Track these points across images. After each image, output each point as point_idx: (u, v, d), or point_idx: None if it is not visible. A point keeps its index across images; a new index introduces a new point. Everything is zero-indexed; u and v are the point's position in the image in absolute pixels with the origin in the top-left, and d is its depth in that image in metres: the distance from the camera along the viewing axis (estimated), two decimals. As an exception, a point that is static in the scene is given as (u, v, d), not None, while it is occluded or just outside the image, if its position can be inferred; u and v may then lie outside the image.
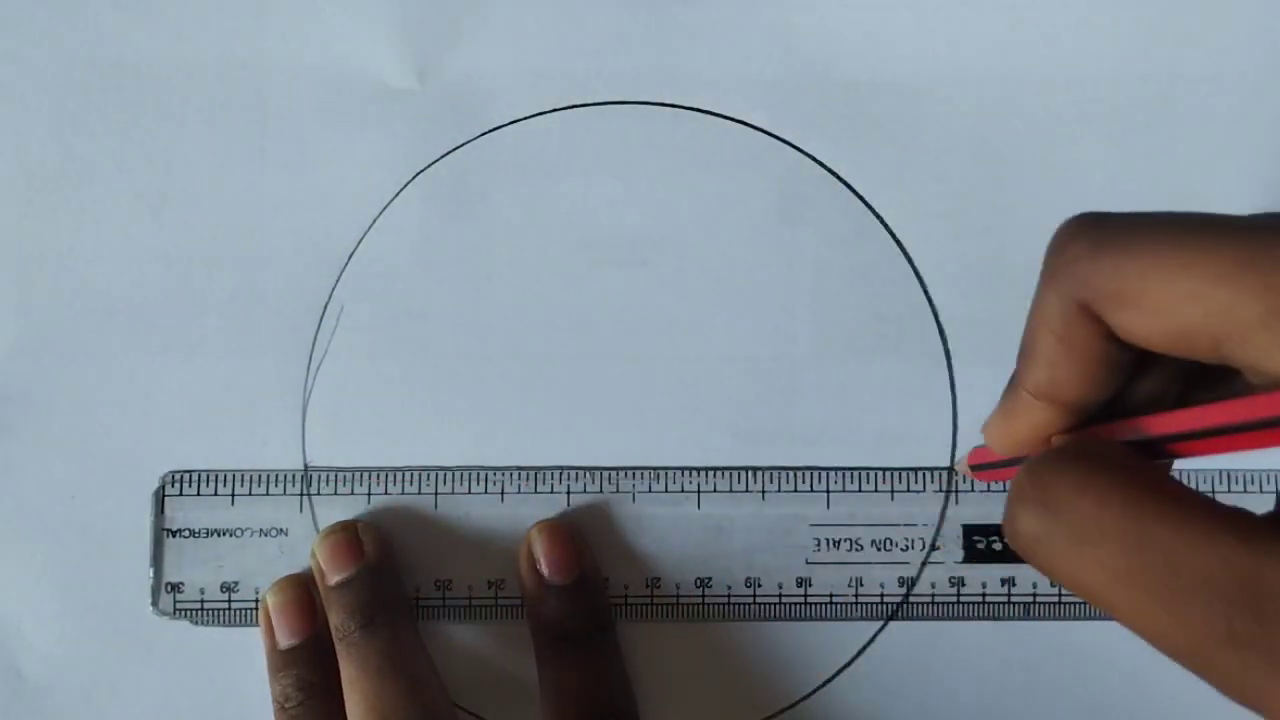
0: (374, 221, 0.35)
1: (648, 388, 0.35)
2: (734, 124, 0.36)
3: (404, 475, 0.35)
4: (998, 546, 0.35)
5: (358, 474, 0.35)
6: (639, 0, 0.36)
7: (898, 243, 0.36)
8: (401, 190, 0.35)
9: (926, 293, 0.36)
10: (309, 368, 0.35)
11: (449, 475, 0.35)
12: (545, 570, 0.33)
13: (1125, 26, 0.36)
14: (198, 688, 0.34)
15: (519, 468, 0.35)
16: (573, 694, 0.32)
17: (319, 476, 0.35)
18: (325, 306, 0.35)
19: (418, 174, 0.36)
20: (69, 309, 0.35)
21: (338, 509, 0.35)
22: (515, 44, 0.36)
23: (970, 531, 0.35)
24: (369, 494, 0.35)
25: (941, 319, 0.36)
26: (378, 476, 0.35)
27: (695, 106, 0.36)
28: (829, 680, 0.35)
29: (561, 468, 0.35)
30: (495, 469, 0.35)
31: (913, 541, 0.35)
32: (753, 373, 0.35)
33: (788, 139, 0.36)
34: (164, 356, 0.35)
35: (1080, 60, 0.36)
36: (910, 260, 0.36)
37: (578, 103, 0.36)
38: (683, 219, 0.36)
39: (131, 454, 0.35)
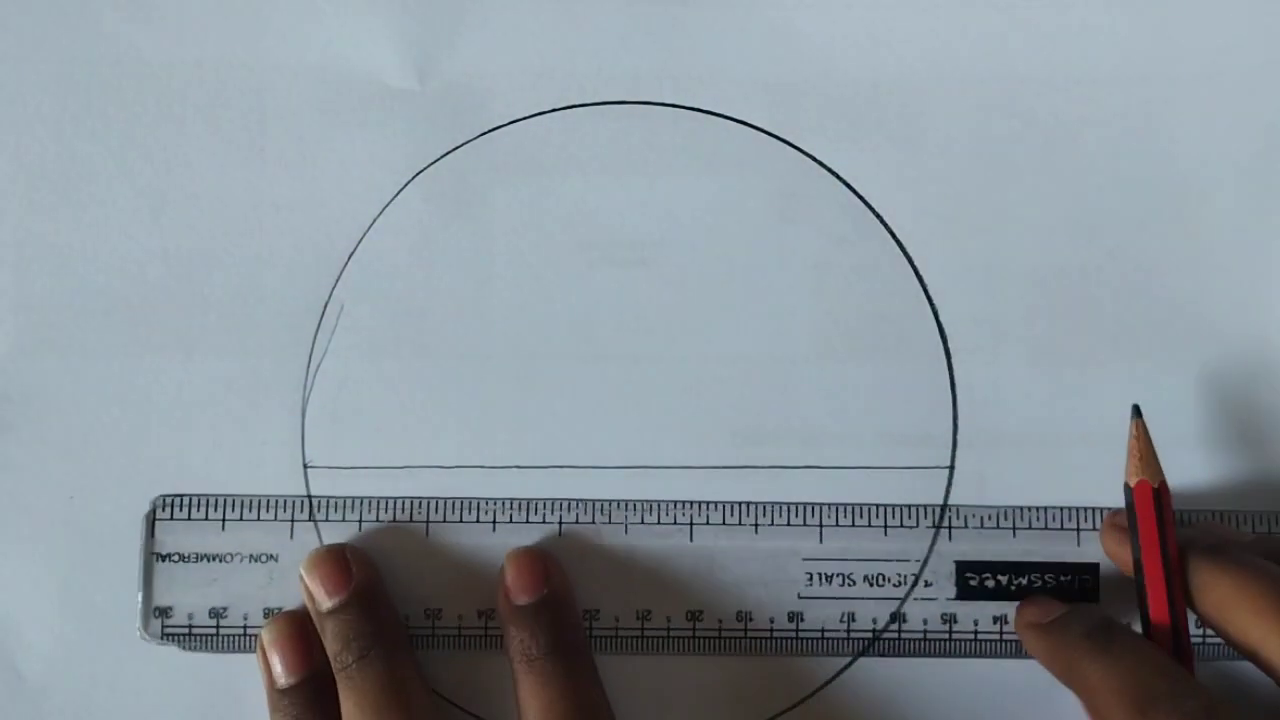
0: (374, 221, 0.35)
1: (647, 387, 0.35)
2: (734, 124, 0.36)
3: (395, 503, 0.35)
4: (990, 584, 0.35)
5: (349, 501, 0.35)
6: (639, 0, 0.36)
7: (898, 243, 0.36)
8: (401, 190, 0.36)
9: (927, 293, 0.36)
10: (309, 368, 0.35)
11: (440, 504, 0.35)
12: (510, 591, 0.33)
13: (1125, 26, 0.36)
14: (196, 687, 0.34)
15: (511, 498, 0.35)
16: (539, 714, 0.32)
17: (310, 503, 0.35)
18: (325, 306, 0.35)
19: (418, 174, 0.36)
20: (69, 309, 0.35)
21: (328, 536, 0.34)
22: (515, 44, 0.36)
23: (963, 568, 0.35)
24: (360, 521, 0.35)
25: (941, 319, 0.36)
26: (369, 504, 0.35)
27: (695, 106, 0.36)
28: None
29: (554, 498, 0.35)
30: (487, 498, 0.35)
31: (905, 577, 0.35)
32: (753, 373, 0.35)
33: (788, 139, 0.36)
34: (164, 356, 0.35)
35: (1080, 60, 0.36)
36: (910, 260, 0.36)
37: (578, 103, 0.36)
38: (683, 219, 0.36)
39: (131, 454, 0.35)
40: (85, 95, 0.35)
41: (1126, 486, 0.32)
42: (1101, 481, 0.35)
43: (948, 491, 0.35)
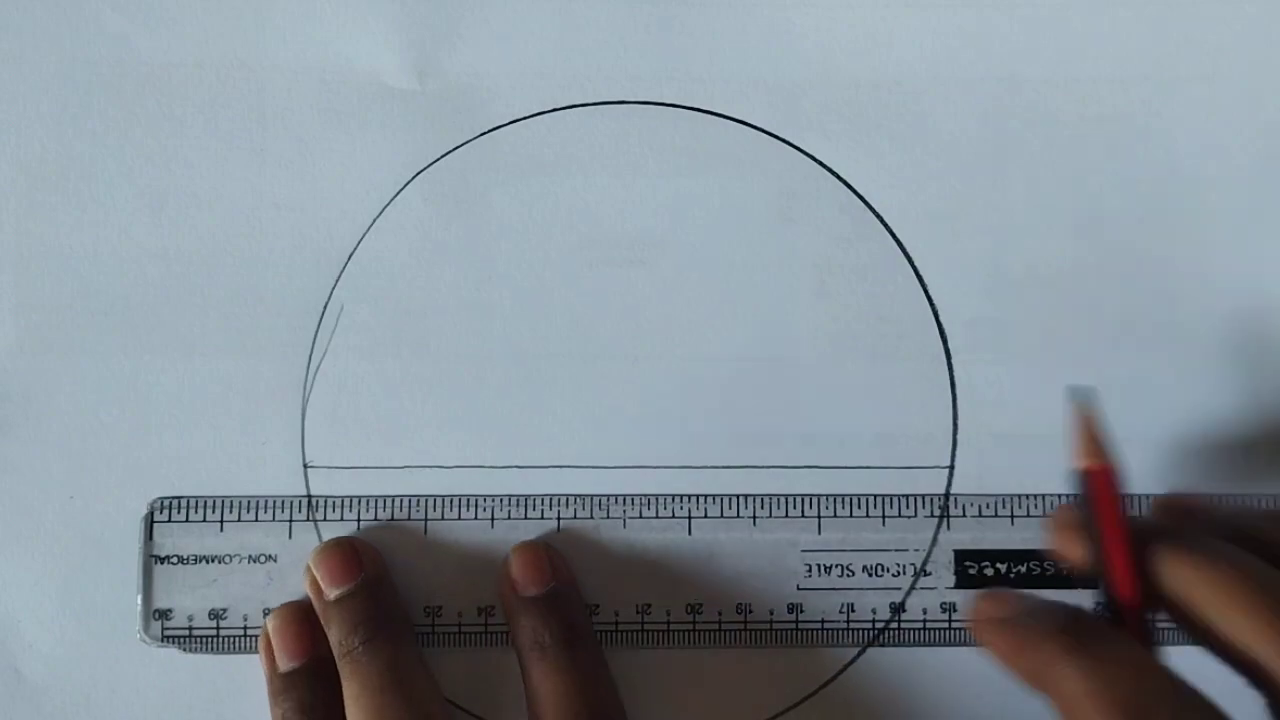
0: (374, 221, 0.35)
1: (647, 388, 0.35)
2: (734, 124, 0.36)
3: (394, 501, 0.35)
4: (989, 572, 0.35)
5: (348, 500, 0.35)
6: (639, 0, 0.36)
7: (898, 243, 0.36)
8: (401, 190, 0.36)
9: (927, 293, 0.36)
10: (309, 368, 0.35)
11: (439, 501, 0.35)
12: (518, 584, 0.33)
13: (1125, 26, 0.36)
14: (197, 687, 0.34)
15: (510, 494, 0.35)
16: (554, 702, 0.32)
17: (308, 503, 0.35)
18: (325, 306, 0.35)
19: (418, 174, 0.36)
20: (69, 309, 0.35)
21: (328, 535, 0.34)
22: (515, 44, 0.36)
23: (962, 557, 0.35)
24: (359, 520, 0.35)
25: (941, 319, 0.36)
26: (367, 503, 0.35)
27: (695, 106, 0.36)
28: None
29: (552, 494, 0.35)
30: (485, 495, 0.35)
31: (904, 567, 0.35)
32: (753, 373, 0.35)
33: (788, 139, 0.36)
34: (164, 356, 0.35)
35: (1080, 60, 0.36)
36: (910, 260, 0.36)
37: (578, 103, 0.36)
38: (683, 219, 0.36)
39: (131, 454, 0.35)
40: (85, 95, 0.35)
41: (1079, 472, 0.30)
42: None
43: (948, 491, 0.35)
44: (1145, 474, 0.35)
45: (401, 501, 0.35)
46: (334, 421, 0.35)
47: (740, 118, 0.36)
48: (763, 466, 0.35)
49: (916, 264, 0.36)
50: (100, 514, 0.35)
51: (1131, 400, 0.35)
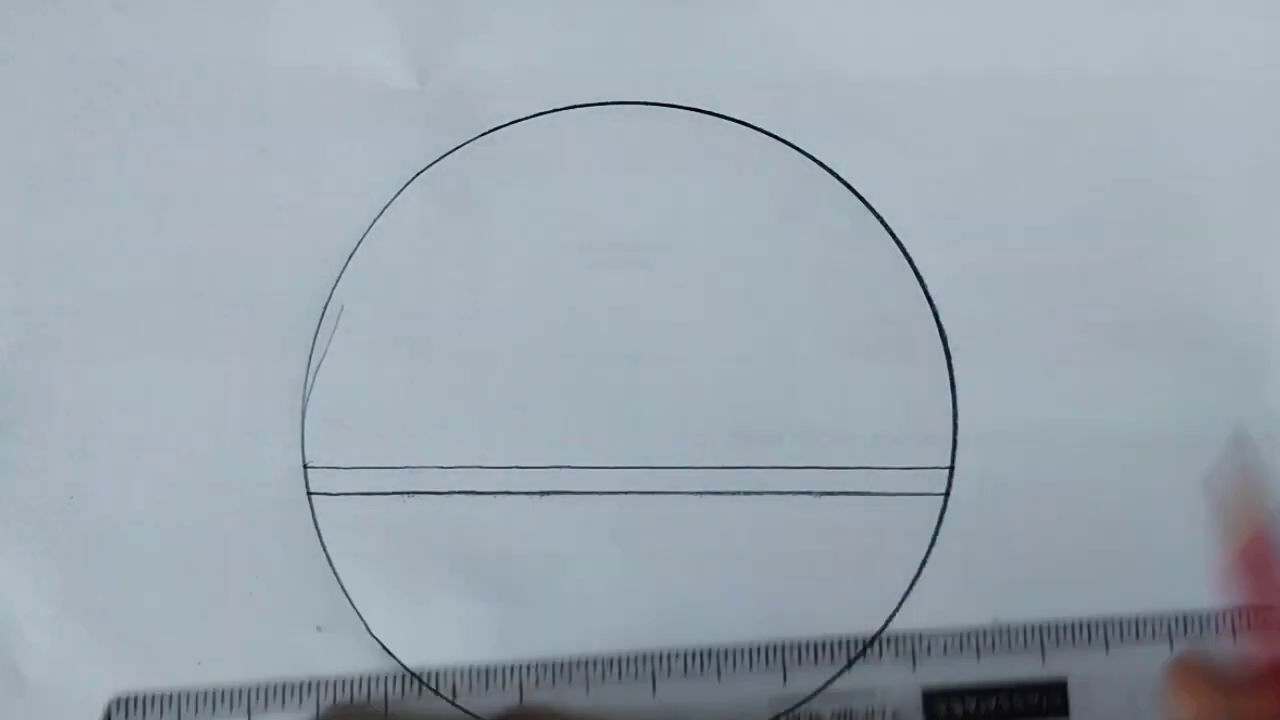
0: (374, 221, 0.35)
1: (647, 388, 0.35)
2: (734, 124, 0.36)
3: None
4: (958, 710, 0.34)
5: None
6: (639, 0, 0.36)
7: (898, 243, 0.36)
8: (401, 190, 0.36)
9: (926, 293, 0.36)
10: (309, 368, 0.35)
11: (397, 679, 0.33)
12: None
13: (1125, 26, 0.36)
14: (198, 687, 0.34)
15: (470, 667, 0.33)
16: None
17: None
18: (325, 306, 0.35)
19: (418, 174, 0.36)
20: (69, 309, 0.35)
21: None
22: (515, 44, 0.36)
23: (930, 695, 0.34)
24: (317, 704, 0.33)
25: (941, 319, 0.36)
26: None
27: (695, 106, 0.36)
28: None
29: (513, 663, 0.33)
30: (445, 669, 0.33)
31: (873, 712, 0.33)
32: (753, 373, 0.35)
33: (788, 139, 0.36)
34: (164, 356, 0.35)
35: (1080, 60, 0.36)
36: (910, 260, 0.36)
37: (578, 103, 0.36)
38: (683, 219, 0.36)
39: (131, 454, 0.35)
40: (85, 95, 0.35)
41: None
42: (1100, 482, 0.35)
43: (948, 491, 0.35)
44: (1143, 474, 0.35)
45: (361, 681, 0.33)
46: (334, 421, 0.35)
47: (740, 118, 0.36)
48: (762, 467, 0.35)
49: (916, 264, 0.36)
50: (100, 514, 0.35)
51: (1130, 400, 0.35)
